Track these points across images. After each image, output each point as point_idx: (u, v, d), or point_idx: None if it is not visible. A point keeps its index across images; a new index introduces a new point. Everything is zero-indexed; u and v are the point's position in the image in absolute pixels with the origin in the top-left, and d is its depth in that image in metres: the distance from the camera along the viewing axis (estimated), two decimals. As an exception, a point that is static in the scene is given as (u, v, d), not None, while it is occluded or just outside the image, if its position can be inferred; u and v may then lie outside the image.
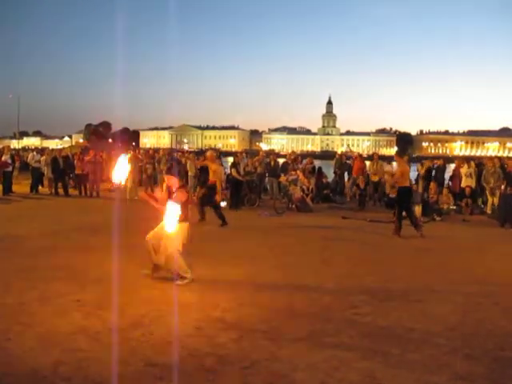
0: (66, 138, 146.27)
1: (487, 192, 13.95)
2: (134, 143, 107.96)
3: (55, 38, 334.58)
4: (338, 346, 4.14)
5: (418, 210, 12.78)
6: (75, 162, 16.66)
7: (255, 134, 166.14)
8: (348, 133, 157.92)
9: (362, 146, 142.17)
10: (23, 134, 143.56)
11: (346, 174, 17.75)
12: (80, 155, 17.23)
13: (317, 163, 18.60)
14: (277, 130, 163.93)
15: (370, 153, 54.30)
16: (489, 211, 13.65)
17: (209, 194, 10.11)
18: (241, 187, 14.01)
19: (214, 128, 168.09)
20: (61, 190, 16.11)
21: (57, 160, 16.19)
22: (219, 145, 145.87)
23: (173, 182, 6.14)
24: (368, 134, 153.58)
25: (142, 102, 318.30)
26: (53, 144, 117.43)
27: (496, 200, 13.23)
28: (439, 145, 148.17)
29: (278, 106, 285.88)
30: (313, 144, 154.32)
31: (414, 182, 14.52)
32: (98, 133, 30.79)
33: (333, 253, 8.13)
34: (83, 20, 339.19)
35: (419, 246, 8.96)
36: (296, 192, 13.61)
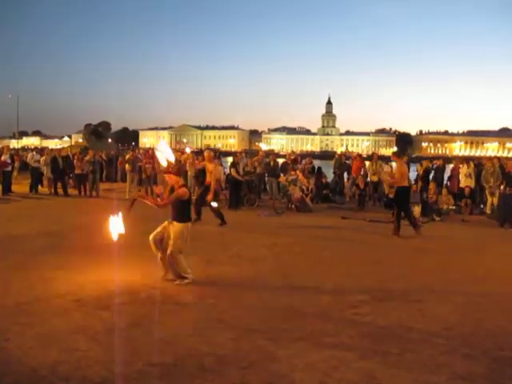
0: (66, 138, 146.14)
1: (487, 192, 13.95)
2: (133, 143, 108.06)
3: (55, 38, 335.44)
4: (337, 346, 4.14)
5: (417, 210, 12.78)
6: (75, 161, 16.64)
7: (255, 134, 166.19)
8: (347, 133, 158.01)
9: (362, 146, 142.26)
10: (23, 134, 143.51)
11: (345, 174, 17.75)
12: (79, 155, 17.22)
13: (316, 163, 18.60)
14: (276, 130, 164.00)
15: (370, 153, 54.31)
16: (488, 211, 13.65)
17: (205, 194, 10.10)
18: (240, 187, 14.00)
19: (213, 128, 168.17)
20: (60, 190, 16.09)
21: (56, 160, 16.18)
22: (219, 145, 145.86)
23: (173, 180, 6.15)
24: (367, 134, 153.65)
25: (142, 102, 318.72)
26: (52, 144, 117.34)
27: (495, 200, 13.23)
28: (439, 145, 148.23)
29: (277, 105, 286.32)
30: (312, 144, 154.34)
31: (413, 183, 14.52)
32: (97, 133, 30.82)
33: (332, 253, 8.13)
34: (83, 20, 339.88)
35: (418, 246, 8.96)
36: (295, 192, 13.61)
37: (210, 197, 9.81)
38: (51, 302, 5.11)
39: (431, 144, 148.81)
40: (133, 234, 6.74)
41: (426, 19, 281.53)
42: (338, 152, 38.98)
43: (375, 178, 15.59)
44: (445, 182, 15.77)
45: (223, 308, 5.06)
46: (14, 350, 3.90)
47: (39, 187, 17.00)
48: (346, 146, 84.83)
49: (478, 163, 16.50)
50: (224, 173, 16.26)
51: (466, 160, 16.21)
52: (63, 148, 24.23)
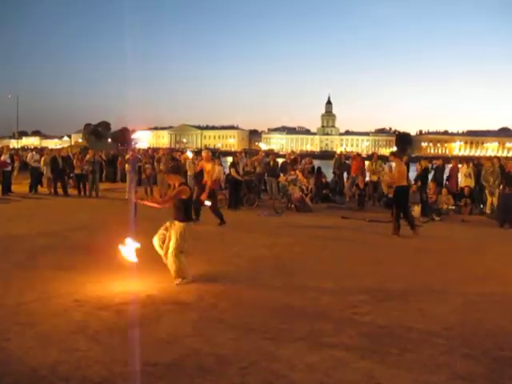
0: (66, 138, 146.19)
1: (486, 192, 13.96)
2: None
3: (55, 38, 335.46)
4: (337, 346, 4.14)
5: (417, 209, 12.80)
6: (74, 161, 16.64)
7: (254, 134, 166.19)
8: (347, 133, 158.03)
9: (362, 146, 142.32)
10: (22, 134, 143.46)
11: (345, 173, 17.74)
12: (79, 155, 17.22)
13: (316, 163, 18.59)
14: (276, 129, 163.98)
15: (370, 153, 54.21)
16: (488, 211, 13.66)
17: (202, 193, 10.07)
18: (240, 187, 14.00)
19: (213, 128, 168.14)
20: (60, 190, 16.09)
21: (56, 160, 16.18)
22: (218, 144, 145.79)
23: (173, 179, 6.16)
24: (367, 133, 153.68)
25: (142, 102, 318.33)
26: (52, 144, 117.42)
27: (495, 200, 13.23)
28: (438, 145, 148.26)
29: (277, 105, 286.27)
30: (312, 144, 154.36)
31: (413, 182, 14.53)
32: (97, 133, 30.85)
33: (332, 253, 8.14)
34: (83, 20, 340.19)
35: (418, 246, 8.96)
36: (295, 192, 13.61)
37: (204, 195, 9.79)
38: (51, 301, 5.11)
39: (431, 144, 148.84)
40: (133, 234, 6.74)
41: (425, 19, 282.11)
42: (338, 152, 38.97)
43: (375, 178, 15.59)
44: (444, 182, 15.77)
45: (223, 308, 5.06)
46: (14, 349, 3.91)
47: (39, 187, 17.00)
48: (345, 148, 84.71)
49: (477, 163, 16.52)
50: (224, 173, 16.27)
51: (465, 160, 16.23)
52: (63, 148, 24.23)
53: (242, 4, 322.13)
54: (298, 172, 14.70)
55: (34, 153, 18.47)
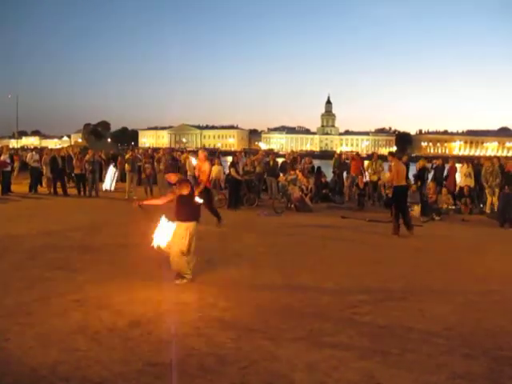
0: (65, 138, 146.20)
1: (486, 191, 13.96)
2: (132, 143, 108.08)
3: (55, 38, 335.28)
4: (337, 346, 4.14)
5: (417, 209, 12.80)
6: (74, 161, 16.63)
7: (254, 134, 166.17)
8: (347, 132, 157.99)
9: (361, 146, 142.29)
10: (22, 134, 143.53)
11: (344, 173, 17.73)
12: (79, 155, 17.21)
13: (316, 163, 18.59)
14: (276, 129, 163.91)
15: (369, 152, 54.16)
16: (488, 211, 13.66)
17: (201, 194, 10.06)
18: (240, 187, 14.00)
19: (213, 128, 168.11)
20: (60, 190, 16.08)
21: (56, 160, 16.17)
22: (218, 144, 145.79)
23: (173, 179, 6.16)
24: (367, 133, 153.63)
25: (142, 102, 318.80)
26: (52, 144, 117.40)
27: (495, 199, 13.23)
28: (438, 144, 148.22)
29: (277, 105, 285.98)
30: (312, 143, 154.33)
31: (413, 182, 14.53)
32: (96, 132, 30.83)
33: (332, 252, 8.14)
34: (83, 20, 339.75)
35: (418, 245, 8.96)
36: (295, 192, 13.60)
37: (197, 191, 9.80)
38: (51, 301, 5.10)
39: (431, 143, 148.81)
40: (133, 234, 6.76)
41: (425, 19, 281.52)
42: (338, 152, 38.94)
43: (375, 178, 15.60)
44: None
45: (223, 308, 5.06)
46: (14, 349, 3.91)
47: (39, 187, 16.99)
48: (341, 150, 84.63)
49: (477, 163, 16.53)
50: (224, 172, 16.26)
51: (465, 159, 16.23)
52: (62, 148, 24.21)
53: (241, 4, 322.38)
54: (297, 172, 14.69)
55: (33, 153, 18.44)
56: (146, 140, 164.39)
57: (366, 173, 16.14)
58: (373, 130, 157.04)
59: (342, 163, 17.71)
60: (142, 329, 4.40)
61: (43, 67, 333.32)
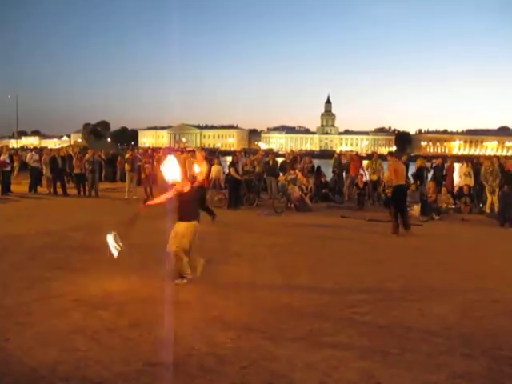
0: (65, 138, 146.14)
1: (486, 191, 13.96)
2: (132, 142, 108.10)
3: (55, 38, 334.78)
4: (337, 346, 4.14)
5: (416, 209, 12.80)
6: (74, 161, 16.63)
7: (254, 134, 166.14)
8: (347, 132, 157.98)
9: (361, 145, 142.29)
10: (22, 134, 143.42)
11: (344, 173, 17.72)
12: (78, 154, 17.21)
13: (315, 162, 18.59)
14: (275, 129, 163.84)
15: (369, 152, 54.11)
16: (487, 210, 13.66)
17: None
18: (239, 187, 14.00)
19: (212, 127, 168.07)
20: (59, 190, 16.09)
21: (55, 160, 16.17)
22: (218, 144, 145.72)
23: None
24: (367, 133, 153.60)
25: (141, 102, 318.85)
26: (51, 144, 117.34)
27: (495, 199, 13.23)
28: (438, 144, 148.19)
29: (277, 105, 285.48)
30: (311, 143, 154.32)
31: (412, 182, 14.54)
32: (96, 132, 30.84)
33: (332, 252, 8.14)
34: (83, 20, 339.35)
35: (418, 245, 8.97)
36: (295, 191, 13.60)
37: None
38: (51, 301, 5.10)
39: (430, 143, 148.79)
40: (133, 234, 6.73)
41: (425, 19, 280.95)
42: (338, 151, 38.92)
43: (375, 178, 15.60)
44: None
45: (223, 307, 5.06)
46: (13, 349, 3.91)
47: (38, 187, 16.99)
48: (340, 150, 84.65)
49: (476, 162, 16.54)
50: (223, 172, 16.26)
51: (464, 159, 16.22)
52: (62, 147, 24.21)
53: (241, 4, 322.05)
54: (297, 171, 14.70)
55: (33, 153, 18.44)
56: (146, 140, 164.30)
57: (366, 172, 16.15)
58: (372, 129, 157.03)
59: (341, 163, 17.71)
60: (141, 329, 4.40)
61: (43, 67, 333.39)
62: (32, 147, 46.90)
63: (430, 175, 15.97)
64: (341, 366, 3.73)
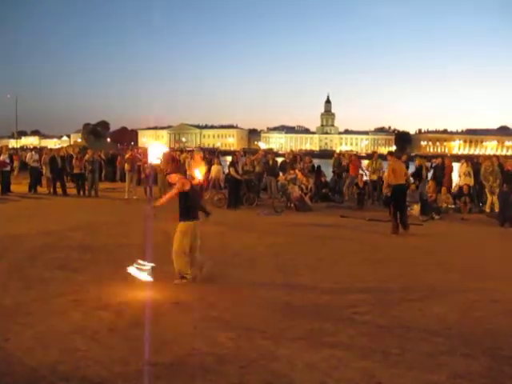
0: (65, 138, 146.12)
1: (486, 191, 13.96)
2: (132, 142, 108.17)
3: (55, 38, 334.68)
4: (337, 346, 4.14)
5: (416, 208, 12.80)
6: (73, 161, 16.63)
7: (254, 133, 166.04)
8: (346, 132, 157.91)
9: (361, 145, 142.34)
10: (21, 134, 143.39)
11: (344, 173, 17.71)
12: (78, 155, 17.21)
13: (315, 162, 18.59)
14: (275, 129, 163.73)
15: (369, 151, 54.11)
16: (487, 210, 13.65)
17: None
18: (239, 186, 14.00)
19: (212, 127, 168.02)
20: (59, 190, 16.08)
21: (55, 159, 16.16)
22: (218, 144, 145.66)
23: (173, 179, 6.16)
24: (366, 132, 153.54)
25: (141, 102, 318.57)
26: (51, 143, 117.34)
27: (495, 199, 13.22)
28: (438, 144, 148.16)
29: (276, 105, 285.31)
30: (311, 143, 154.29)
31: (412, 181, 14.53)
32: (96, 132, 30.86)
33: (331, 252, 8.14)
34: (83, 20, 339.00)
35: (418, 244, 8.97)
36: (295, 191, 13.60)
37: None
38: (50, 301, 5.10)
39: (430, 143, 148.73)
40: (133, 234, 6.77)
41: (425, 19, 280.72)
42: (337, 151, 38.94)
43: (375, 177, 15.60)
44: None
45: (223, 307, 5.06)
46: (13, 349, 3.90)
47: (38, 187, 16.99)
48: (340, 150, 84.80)
49: (476, 161, 16.54)
50: (223, 172, 16.26)
51: (464, 158, 16.21)
52: (61, 147, 24.21)
53: (241, 4, 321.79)
54: (297, 171, 14.70)
55: (33, 152, 18.43)
56: (146, 140, 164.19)
57: (366, 172, 16.15)
58: (372, 129, 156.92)
59: (341, 163, 17.70)
60: (141, 329, 4.40)
61: (43, 67, 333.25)
62: (32, 147, 46.94)
63: (429, 175, 15.96)
64: (341, 366, 3.73)
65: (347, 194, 16.21)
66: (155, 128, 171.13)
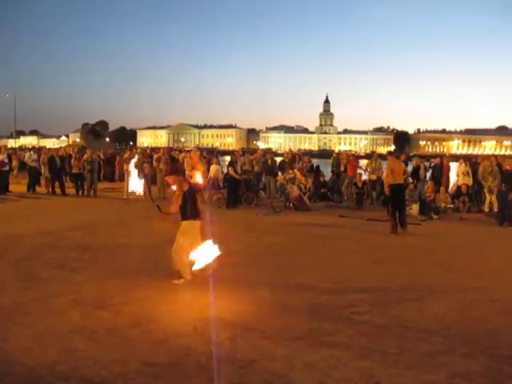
0: (63, 138, 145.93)
1: (485, 190, 13.97)
2: (131, 142, 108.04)
3: (55, 37, 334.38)
4: (336, 345, 4.14)
5: (415, 208, 12.80)
6: (72, 160, 16.61)
7: (252, 133, 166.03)
8: (345, 131, 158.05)
9: (360, 145, 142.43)
10: (20, 134, 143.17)
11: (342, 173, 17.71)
12: (77, 154, 17.19)
13: (314, 162, 18.59)
14: (274, 128, 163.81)
15: (368, 151, 54.10)
16: (486, 209, 13.67)
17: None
18: (238, 186, 14.00)
19: (211, 127, 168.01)
20: (58, 190, 16.06)
21: (54, 159, 16.15)
22: (216, 143, 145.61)
23: (172, 180, 6.15)
24: (365, 132, 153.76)
25: (140, 101, 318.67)
26: (50, 143, 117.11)
27: (494, 198, 13.23)
28: (436, 143, 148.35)
29: (275, 104, 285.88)
30: (310, 143, 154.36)
31: (411, 181, 14.53)
32: (94, 132, 30.83)
33: (330, 251, 8.14)
34: (83, 20, 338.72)
35: (417, 244, 8.97)
36: (293, 191, 13.60)
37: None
38: (49, 301, 5.10)
39: (429, 142, 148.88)
40: (132, 234, 6.76)
41: (425, 19, 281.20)
42: (336, 151, 38.93)
43: (374, 177, 15.61)
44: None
45: (222, 307, 5.05)
46: (12, 349, 3.90)
47: (37, 187, 16.97)
48: (339, 150, 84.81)
49: (474, 161, 16.55)
50: (222, 172, 16.25)
51: (463, 158, 16.23)
52: (60, 147, 24.18)
53: (241, 4, 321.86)
54: (296, 171, 14.70)
55: (31, 152, 18.40)
56: (145, 139, 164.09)
57: (366, 171, 16.16)
58: (371, 128, 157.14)
59: (340, 162, 17.71)
60: (141, 329, 4.40)
61: (43, 67, 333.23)
62: (30, 147, 46.92)
63: (428, 174, 15.98)
64: (340, 366, 3.73)
65: (346, 194, 16.21)
66: (154, 128, 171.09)
